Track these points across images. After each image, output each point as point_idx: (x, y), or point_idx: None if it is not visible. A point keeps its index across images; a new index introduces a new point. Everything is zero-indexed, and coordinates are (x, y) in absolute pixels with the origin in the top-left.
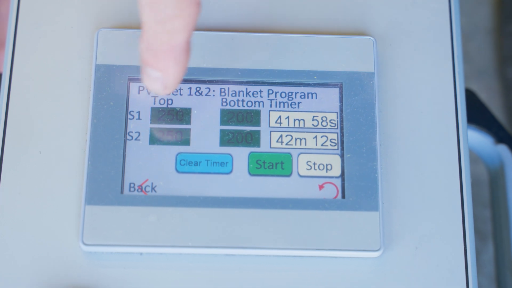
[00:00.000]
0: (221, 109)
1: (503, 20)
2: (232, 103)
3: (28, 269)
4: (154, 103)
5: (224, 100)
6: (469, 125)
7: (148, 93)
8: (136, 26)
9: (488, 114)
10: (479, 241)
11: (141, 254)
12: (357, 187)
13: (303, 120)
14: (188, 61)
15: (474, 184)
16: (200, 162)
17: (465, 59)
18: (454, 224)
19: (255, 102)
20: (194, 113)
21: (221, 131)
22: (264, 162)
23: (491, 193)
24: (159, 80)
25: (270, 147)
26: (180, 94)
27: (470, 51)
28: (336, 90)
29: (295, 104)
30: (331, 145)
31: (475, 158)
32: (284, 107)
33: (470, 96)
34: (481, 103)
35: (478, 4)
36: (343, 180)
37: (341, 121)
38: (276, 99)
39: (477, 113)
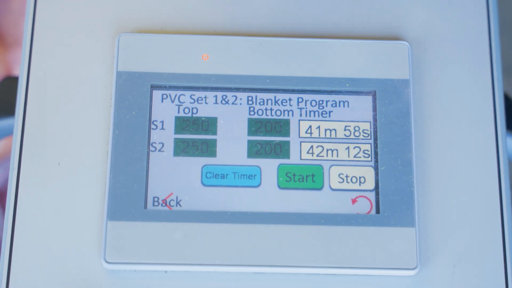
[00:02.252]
0: (248, 118)
1: None
2: (260, 112)
3: (49, 287)
4: (178, 112)
5: (251, 109)
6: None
7: (172, 102)
8: (159, 30)
9: None
10: None
11: (165, 272)
12: (392, 202)
13: (335, 130)
14: None
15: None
16: (227, 174)
17: None
18: (493, 240)
19: (284, 111)
20: (220, 123)
21: (249, 142)
22: (294, 175)
23: None
24: None
25: (300, 159)
26: (206, 103)
27: None
28: (369, 98)
29: (326, 113)
30: (364, 156)
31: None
32: (314, 116)
33: (506, 101)
34: None
35: None
36: (377, 194)
37: (375, 131)
38: (306, 108)
39: None
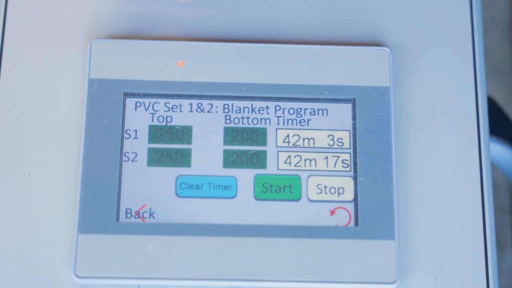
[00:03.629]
0: (224, 127)
1: None
2: (236, 121)
3: None
4: (152, 121)
5: (227, 117)
6: (490, 136)
7: (146, 110)
8: (132, 36)
9: (509, 125)
10: (496, 250)
11: (138, 286)
12: (371, 213)
13: (313, 139)
14: None
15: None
16: (202, 185)
17: None
18: (475, 252)
19: (261, 119)
20: (195, 132)
21: (225, 151)
22: (271, 186)
23: None
24: None
25: (278, 169)
26: (180, 111)
27: (487, 47)
28: (349, 106)
29: (304, 122)
30: (343, 166)
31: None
32: (292, 124)
33: (491, 105)
34: (502, 112)
35: None
36: (356, 205)
37: (354, 141)
38: (283, 116)
39: (497, 123)
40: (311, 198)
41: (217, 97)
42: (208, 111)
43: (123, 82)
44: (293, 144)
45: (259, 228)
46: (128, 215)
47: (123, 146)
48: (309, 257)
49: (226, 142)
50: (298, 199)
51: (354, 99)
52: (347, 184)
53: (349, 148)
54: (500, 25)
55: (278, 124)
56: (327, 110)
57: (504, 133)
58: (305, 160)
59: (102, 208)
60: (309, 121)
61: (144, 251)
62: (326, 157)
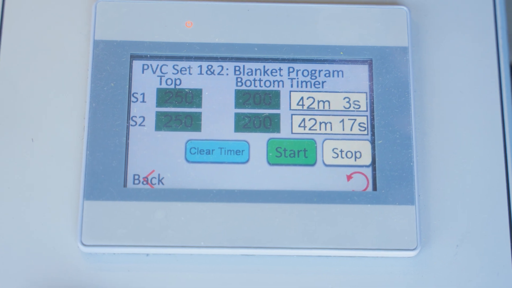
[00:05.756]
0: (235, 90)
1: None
2: (248, 83)
3: (20, 273)
4: (160, 84)
5: (239, 79)
6: None
7: (154, 72)
8: None
9: None
10: None
11: (147, 255)
12: (390, 178)
13: (328, 101)
14: None
15: None
16: (212, 150)
17: None
18: (499, 218)
19: (274, 81)
20: (205, 95)
21: (236, 115)
22: (284, 150)
23: None
24: None
25: (292, 133)
26: (190, 74)
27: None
28: (365, 67)
29: (319, 84)
30: (360, 130)
31: None
32: (306, 87)
33: None
34: None
35: None
36: (374, 169)
37: (371, 103)
38: (297, 78)
39: None
40: (327, 162)
41: (228, 58)
42: (219, 74)
43: (129, 43)
44: (308, 107)
45: (272, 193)
46: (136, 181)
47: (130, 110)
48: (326, 223)
49: (237, 105)
50: (313, 164)
51: (371, 60)
52: (364, 147)
53: (366, 110)
54: None
55: (291, 86)
56: (342, 71)
57: None
58: (320, 123)
59: (108, 174)
60: (324, 83)
61: (153, 218)
62: (342, 120)
